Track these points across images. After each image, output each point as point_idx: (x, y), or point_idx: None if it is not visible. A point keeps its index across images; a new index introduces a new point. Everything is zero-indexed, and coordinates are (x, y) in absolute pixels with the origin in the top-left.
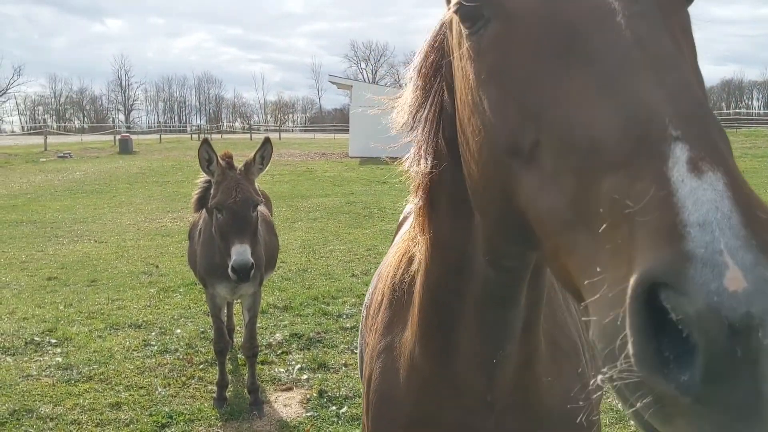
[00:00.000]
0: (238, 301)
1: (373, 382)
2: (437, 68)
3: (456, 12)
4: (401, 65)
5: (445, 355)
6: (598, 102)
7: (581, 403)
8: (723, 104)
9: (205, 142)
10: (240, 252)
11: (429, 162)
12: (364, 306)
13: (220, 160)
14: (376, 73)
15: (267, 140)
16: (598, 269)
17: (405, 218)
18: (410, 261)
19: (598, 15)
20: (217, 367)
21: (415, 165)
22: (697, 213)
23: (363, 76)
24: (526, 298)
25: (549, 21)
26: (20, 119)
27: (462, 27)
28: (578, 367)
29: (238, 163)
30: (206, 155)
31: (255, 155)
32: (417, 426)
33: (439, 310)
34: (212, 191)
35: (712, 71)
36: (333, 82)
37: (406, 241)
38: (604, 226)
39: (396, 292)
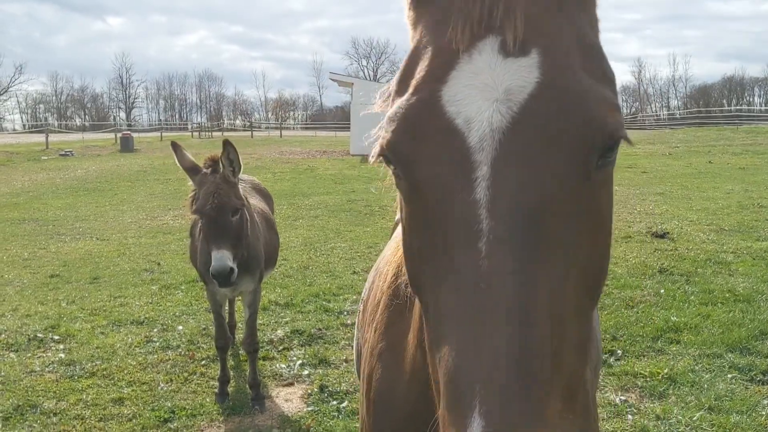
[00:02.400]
0: (239, 298)
1: (375, 381)
2: None
3: (375, 156)
4: (403, 62)
5: None
6: (445, 333)
7: None
8: (724, 101)
9: (175, 146)
10: (217, 258)
11: None
12: (361, 300)
13: (203, 167)
14: (377, 70)
15: (226, 143)
16: None
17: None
18: None
19: (466, 234)
20: (218, 363)
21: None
22: None
23: (364, 73)
24: None
25: (436, 214)
26: (21, 117)
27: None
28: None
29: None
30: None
31: (221, 161)
32: (418, 427)
33: None
34: (194, 196)
35: (714, 68)
36: (334, 80)
37: None
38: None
39: (397, 292)
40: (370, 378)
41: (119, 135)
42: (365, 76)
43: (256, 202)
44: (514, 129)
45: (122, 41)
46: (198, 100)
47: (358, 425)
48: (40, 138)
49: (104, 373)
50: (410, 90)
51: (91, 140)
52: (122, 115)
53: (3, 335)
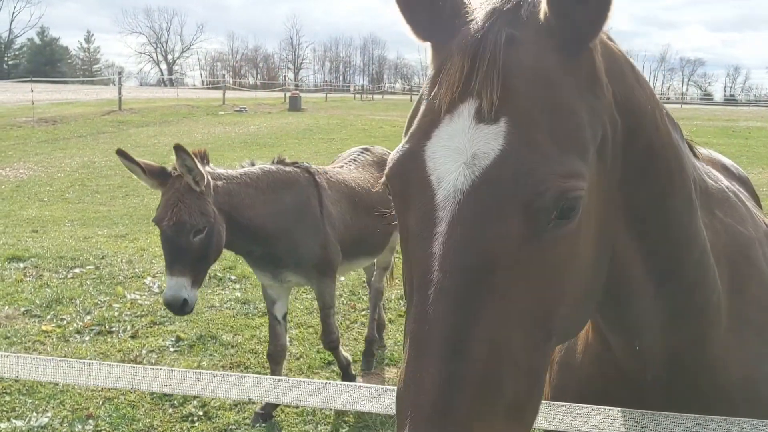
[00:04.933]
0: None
1: (557, 351)
2: None
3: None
4: None
5: (605, 339)
6: (404, 361)
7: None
8: None
9: (120, 153)
10: (170, 286)
11: None
12: None
13: (152, 169)
14: None
15: (176, 149)
16: None
17: None
18: None
19: (423, 280)
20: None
21: None
22: None
23: None
24: (656, 296)
25: (409, 255)
26: (200, 74)
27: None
28: None
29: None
30: (129, 165)
31: (176, 167)
32: (590, 396)
33: None
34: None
35: None
36: None
37: None
38: None
39: None
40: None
41: (288, 94)
42: None
43: (357, 175)
44: (472, 191)
45: (293, 3)
46: (361, 63)
47: None
48: (217, 94)
49: None
50: (407, 137)
51: (263, 98)
52: (290, 75)
53: None
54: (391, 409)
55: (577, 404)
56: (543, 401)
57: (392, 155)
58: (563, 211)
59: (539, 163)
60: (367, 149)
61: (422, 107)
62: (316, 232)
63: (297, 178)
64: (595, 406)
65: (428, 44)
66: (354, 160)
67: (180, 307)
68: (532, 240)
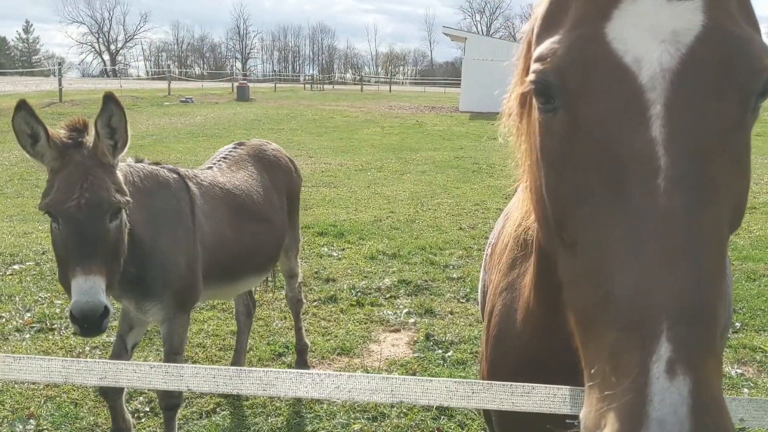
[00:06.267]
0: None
1: (494, 317)
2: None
3: (532, 84)
4: (517, 17)
5: (554, 304)
6: (621, 263)
7: None
8: None
9: (23, 106)
10: (84, 290)
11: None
12: (489, 245)
13: (55, 135)
14: (490, 25)
15: (107, 97)
16: (592, 371)
17: None
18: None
19: (644, 170)
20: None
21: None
22: (660, 411)
23: (477, 28)
24: None
25: (604, 149)
26: (145, 65)
27: (535, 99)
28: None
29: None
30: (27, 127)
31: (96, 124)
32: (530, 363)
33: (547, 264)
34: (47, 184)
35: None
36: (447, 34)
37: None
38: (598, 365)
39: (521, 237)
40: (491, 315)
41: (236, 84)
42: (477, 31)
43: (232, 175)
44: (684, 70)
45: None
46: (311, 53)
47: (462, 374)
48: (162, 85)
49: (223, 307)
50: (567, 26)
51: (210, 88)
52: (238, 65)
53: None
54: (339, 396)
55: (519, 383)
56: (484, 381)
57: (546, 50)
58: (763, 93)
59: (750, 42)
60: (241, 144)
61: None
62: (186, 248)
63: (167, 180)
64: (537, 385)
65: None
66: (224, 158)
67: (99, 318)
68: (741, 121)
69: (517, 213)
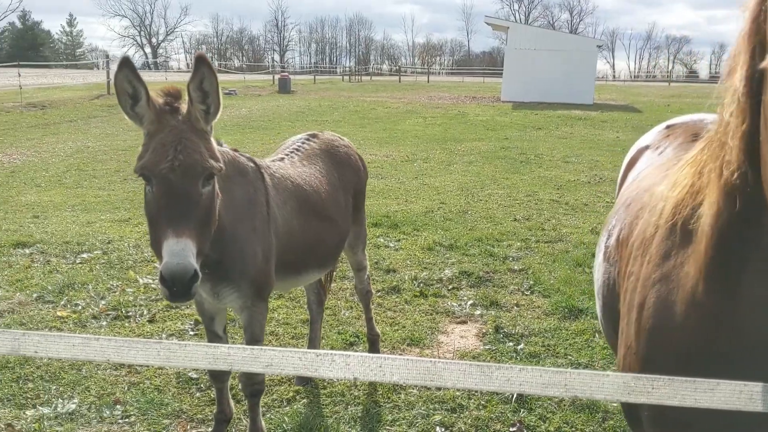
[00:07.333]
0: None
1: (647, 309)
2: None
3: None
4: (555, 6)
5: (729, 294)
6: None
7: None
8: None
9: (126, 63)
10: (175, 252)
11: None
12: (608, 236)
13: (155, 98)
14: (529, 15)
15: (199, 60)
16: None
17: (636, 156)
18: (695, 197)
19: None
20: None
21: (726, 113)
22: None
23: (515, 17)
24: None
25: None
26: (185, 57)
27: None
28: None
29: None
30: (129, 86)
31: (188, 89)
32: (692, 357)
33: (725, 253)
34: (142, 148)
35: None
36: (489, 24)
37: (689, 177)
38: None
39: (678, 227)
40: (641, 307)
41: (277, 76)
42: (516, 20)
43: (303, 169)
44: None
45: None
46: (348, 44)
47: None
48: None
49: (291, 296)
50: None
51: (251, 81)
52: (276, 57)
53: None
54: (509, 389)
55: (702, 379)
56: (664, 376)
57: None
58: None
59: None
60: (314, 135)
61: None
62: (263, 238)
63: (246, 168)
64: (721, 381)
65: None
66: (297, 150)
67: (189, 281)
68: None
69: (663, 203)
